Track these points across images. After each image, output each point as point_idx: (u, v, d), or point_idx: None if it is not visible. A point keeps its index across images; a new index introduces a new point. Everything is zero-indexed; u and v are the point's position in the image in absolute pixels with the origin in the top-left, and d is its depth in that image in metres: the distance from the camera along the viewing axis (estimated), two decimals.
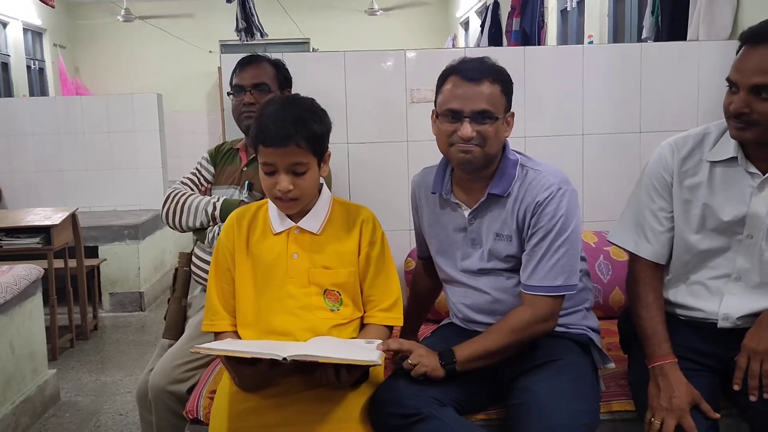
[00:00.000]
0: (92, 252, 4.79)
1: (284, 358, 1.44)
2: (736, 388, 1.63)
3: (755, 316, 1.67)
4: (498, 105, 1.68)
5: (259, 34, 6.87)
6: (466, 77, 1.68)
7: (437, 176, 1.84)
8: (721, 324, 1.72)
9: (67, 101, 5.82)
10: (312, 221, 1.74)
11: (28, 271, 3.07)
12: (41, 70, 8.54)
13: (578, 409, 1.61)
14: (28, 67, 8.05)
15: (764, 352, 1.58)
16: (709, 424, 1.61)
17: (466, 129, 1.67)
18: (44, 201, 5.16)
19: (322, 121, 1.67)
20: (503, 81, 1.70)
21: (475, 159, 1.71)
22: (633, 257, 1.82)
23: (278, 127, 1.60)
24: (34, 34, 8.40)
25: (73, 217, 4.11)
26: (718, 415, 1.63)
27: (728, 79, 1.61)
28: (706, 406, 1.62)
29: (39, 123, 5.36)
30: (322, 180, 1.78)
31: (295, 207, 1.70)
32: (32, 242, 3.80)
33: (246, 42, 6.93)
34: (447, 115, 1.70)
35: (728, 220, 1.68)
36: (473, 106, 1.66)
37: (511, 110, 1.74)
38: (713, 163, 1.71)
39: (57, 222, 3.85)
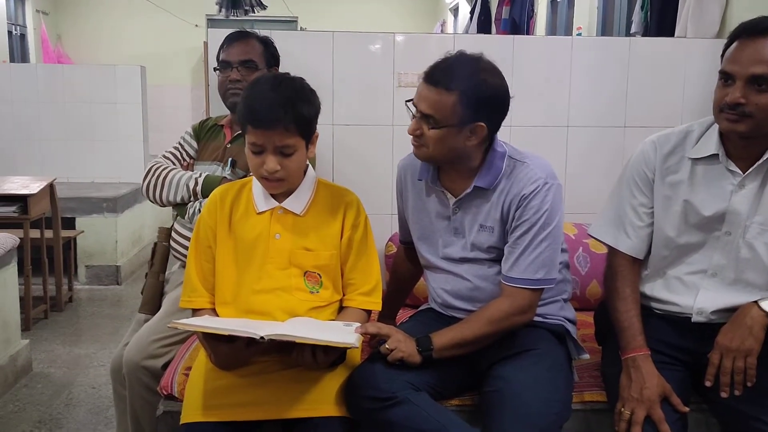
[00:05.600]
0: (69, 223, 4.74)
1: (261, 337, 1.44)
2: (708, 384, 1.66)
3: (729, 311, 1.70)
4: (447, 114, 1.63)
5: (251, 9, 6.66)
6: (427, 76, 1.65)
7: (424, 163, 1.83)
8: (695, 318, 1.74)
9: (48, 69, 5.72)
10: (296, 202, 1.73)
11: (3, 240, 3.03)
12: (23, 36, 8.38)
13: (551, 399, 1.62)
14: (9, 32, 7.90)
15: (737, 350, 1.61)
16: (677, 417, 1.63)
17: (411, 124, 1.69)
18: (21, 170, 5.07)
19: (311, 103, 1.66)
20: (463, 91, 1.61)
21: (420, 156, 1.74)
22: (612, 251, 1.84)
23: (267, 109, 1.58)
24: None
25: (50, 187, 4.06)
26: (687, 409, 1.65)
27: (722, 72, 1.61)
28: (676, 399, 1.64)
29: (19, 90, 5.27)
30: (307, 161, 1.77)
31: (282, 187, 1.70)
32: (8, 211, 3.75)
33: (232, 17, 6.79)
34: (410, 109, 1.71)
35: (709, 215, 1.70)
36: (421, 108, 1.66)
37: (480, 123, 1.66)
38: (695, 160, 1.72)
39: (34, 191, 3.80)
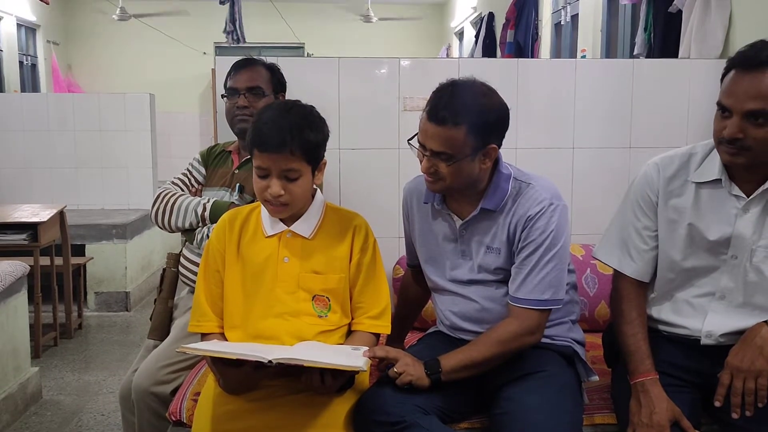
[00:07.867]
0: (79, 250, 4.76)
1: (270, 361, 1.44)
2: (717, 404, 1.64)
3: (738, 333, 1.68)
4: (459, 146, 1.64)
5: (237, 39, 6.82)
6: (430, 116, 1.66)
7: None
8: (704, 341, 1.73)
9: (58, 98, 5.79)
10: (304, 226, 1.74)
11: (14, 267, 3.05)
12: (34, 66, 8.49)
13: (560, 421, 1.61)
14: (21, 62, 8.01)
15: (747, 370, 1.60)
16: None
17: (424, 164, 1.70)
18: (33, 197, 5.13)
19: (319, 130, 1.68)
20: (471, 122, 1.63)
21: (437, 190, 1.76)
22: (617, 274, 1.84)
23: (274, 134, 1.60)
24: (27, 29, 8.35)
25: (60, 215, 4.09)
26: None
27: (720, 104, 1.60)
28: (686, 423, 1.63)
29: (30, 119, 5.33)
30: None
31: (285, 212, 1.71)
32: (19, 238, 3.78)
33: (233, 45, 6.90)
34: (417, 145, 1.72)
35: (714, 239, 1.69)
36: (431, 146, 1.67)
37: (492, 145, 1.69)
38: (698, 184, 1.72)
39: (44, 219, 3.83)
